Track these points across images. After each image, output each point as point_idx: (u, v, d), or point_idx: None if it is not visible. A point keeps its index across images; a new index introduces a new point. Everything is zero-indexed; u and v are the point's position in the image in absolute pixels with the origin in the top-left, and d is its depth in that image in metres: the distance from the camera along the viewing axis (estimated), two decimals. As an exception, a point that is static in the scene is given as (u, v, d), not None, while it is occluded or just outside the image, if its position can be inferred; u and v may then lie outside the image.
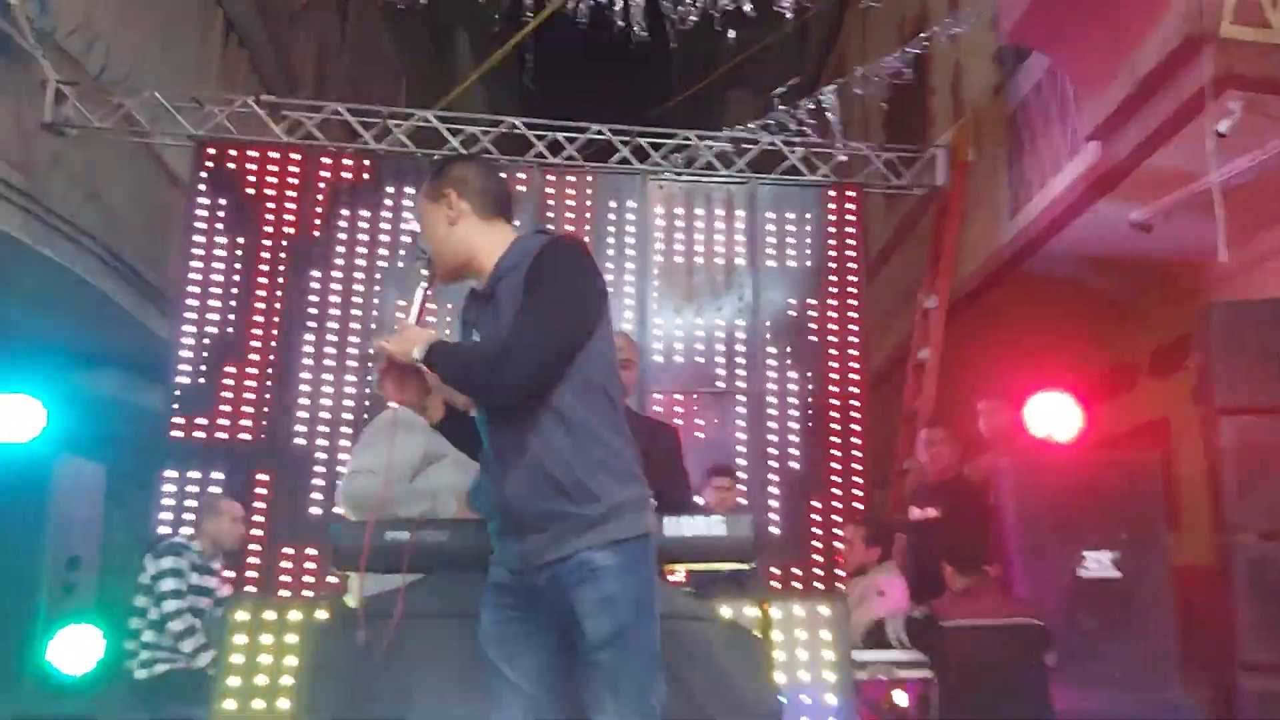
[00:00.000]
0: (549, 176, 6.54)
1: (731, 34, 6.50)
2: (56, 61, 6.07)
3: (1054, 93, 6.20)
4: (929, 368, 6.90)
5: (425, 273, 2.39)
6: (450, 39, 14.61)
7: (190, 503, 5.77)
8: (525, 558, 2.21)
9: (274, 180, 6.24)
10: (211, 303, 6.07)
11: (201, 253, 6.13)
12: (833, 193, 6.79)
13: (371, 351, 2.36)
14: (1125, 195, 5.49)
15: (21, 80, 5.88)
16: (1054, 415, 4.61)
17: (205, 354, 6.02)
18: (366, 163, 6.39)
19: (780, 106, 7.16)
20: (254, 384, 6.00)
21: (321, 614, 3.08)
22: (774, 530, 6.15)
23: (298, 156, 6.31)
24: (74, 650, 3.87)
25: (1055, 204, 6.08)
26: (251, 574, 5.71)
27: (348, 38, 11.33)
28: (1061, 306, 6.67)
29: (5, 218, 5.76)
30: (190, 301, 6.07)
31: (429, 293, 2.42)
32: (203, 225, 6.15)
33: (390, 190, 6.34)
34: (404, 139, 6.58)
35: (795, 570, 6.09)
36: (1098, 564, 4.13)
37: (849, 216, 6.77)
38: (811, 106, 7.15)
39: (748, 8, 6.00)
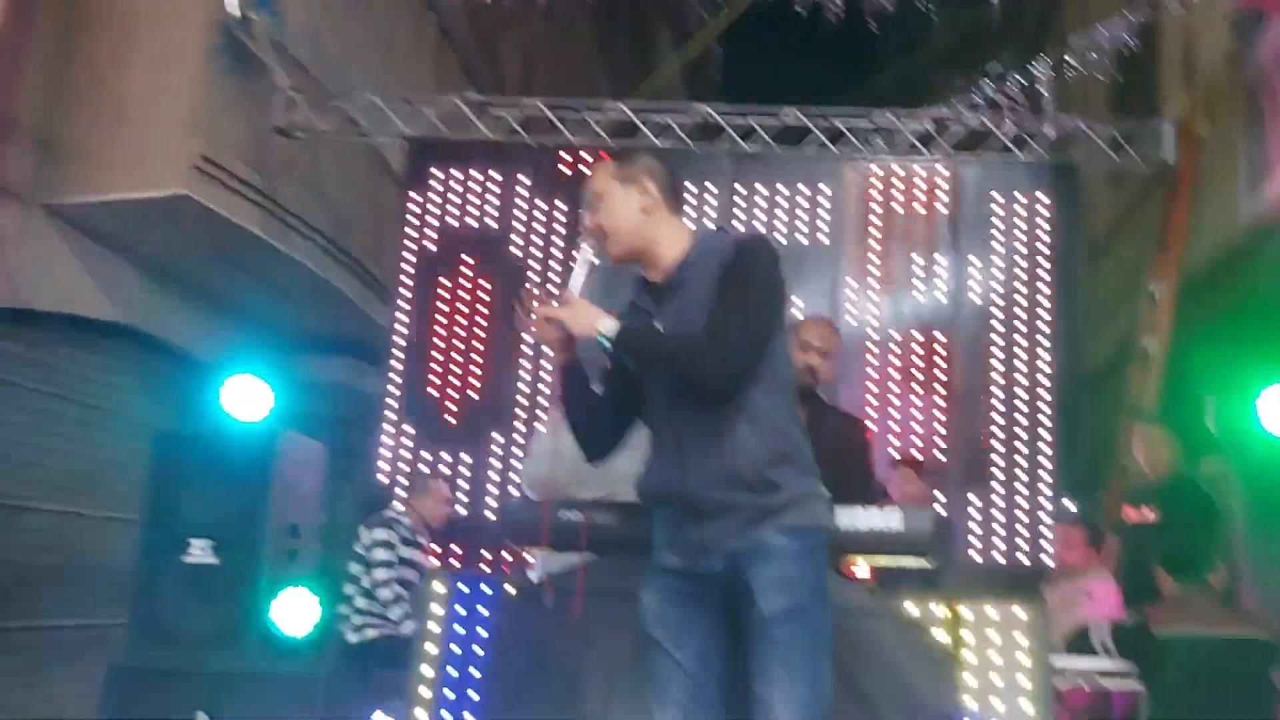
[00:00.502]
0: (742, 162, 6.50)
1: (934, 15, 6.25)
2: (286, 69, 6.56)
3: (1300, 57, 5.59)
4: (1154, 359, 6.41)
5: (593, 249, 2.43)
6: (650, 31, 14.79)
7: (403, 480, 6.11)
8: (704, 544, 2.27)
9: (478, 175, 6.52)
10: (421, 294, 6.39)
11: (415, 247, 6.48)
12: (1047, 173, 6.40)
13: (533, 315, 2.39)
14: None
15: (256, 87, 6.39)
16: (1290, 412, 4.19)
17: (419, 342, 6.34)
18: (566, 156, 6.58)
19: (990, 84, 6.83)
20: (459, 372, 6.29)
21: (509, 588, 3.21)
22: (971, 527, 5.89)
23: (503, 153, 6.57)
24: (294, 612, 4.18)
25: (1301, 179, 5.49)
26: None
27: (552, 36, 11.68)
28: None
29: (245, 215, 6.29)
30: (403, 293, 6.41)
31: (594, 272, 2.45)
32: (415, 220, 6.49)
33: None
34: (600, 131, 6.71)
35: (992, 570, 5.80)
36: (1339, 576, 3.72)
37: (1064, 198, 6.37)
38: (1024, 82, 6.79)
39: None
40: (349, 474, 7.36)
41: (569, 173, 6.52)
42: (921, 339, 6.22)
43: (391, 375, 6.31)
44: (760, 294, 2.28)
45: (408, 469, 6.15)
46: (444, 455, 6.18)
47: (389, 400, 6.28)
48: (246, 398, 4.61)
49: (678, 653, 2.28)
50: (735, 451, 2.24)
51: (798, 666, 2.18)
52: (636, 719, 2.41)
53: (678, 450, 2.30)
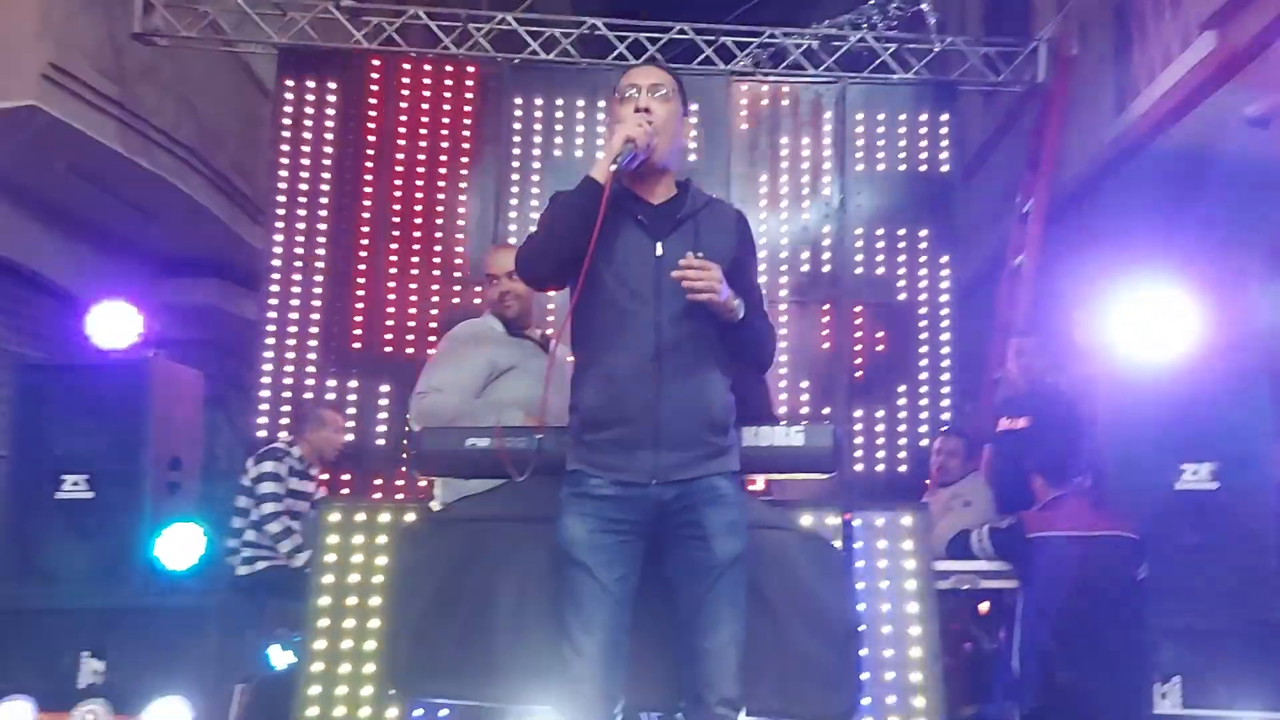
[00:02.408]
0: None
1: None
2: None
3: (1168, -22, 5.78)
4: (1024, 275, 6.66)
5: (639, 132, 2.39)
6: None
7: (286, 408, 5.91)
8: (657, 471, 2.40)
9: (355, 87, 6.23)
10: (299, 212, 6.12)
11: (288, 161, 6.17)
12: (924, 92, 6.50)
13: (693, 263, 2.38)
14: (1241, 89, 5.13)
15: (112, -10, 5.96)
16: (1150, 322, 4.41)
17: (296, 263, 6.09)
18: (449, 68, 6.34)
19: (872, 2, 6.86)
20: (341, 291, 6.08)
21: (409, 516, 3.17)
22: (856, 440, 6.10)
23: (377, 62, 6.28)
24: (178, 546, 4.06)
25: (1165, 99, 5.71)
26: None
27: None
28: (1170, 209, 6.34)
29: (101, 128, 5.90)
30: (279, 211, 6.13)
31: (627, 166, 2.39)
32: (288, 134, 6.18)
33: (469, 95, 6.30)
34: (484, 43, 6.49)
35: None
36: (1196, 477, 3.98)
37: (941, 117, 6.49)
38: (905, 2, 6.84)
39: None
40: (226, 402, 7.13)
41: (451, 84, 6.30)
42: (809, 257, 6.32)
43: (270, 300, 6.04)
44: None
45: (291, 396, 5.94)
46: (329, 382, 5.99)
47: (267, 326, 6.03)
48: (114, 325, 4.37)
49: (607, 577, 2.39)
50: (709, 392, 2.45)
51: (739, 603, 2.42)
52: (550, 640, 2.44)
53: (657, 378, 2.39)
